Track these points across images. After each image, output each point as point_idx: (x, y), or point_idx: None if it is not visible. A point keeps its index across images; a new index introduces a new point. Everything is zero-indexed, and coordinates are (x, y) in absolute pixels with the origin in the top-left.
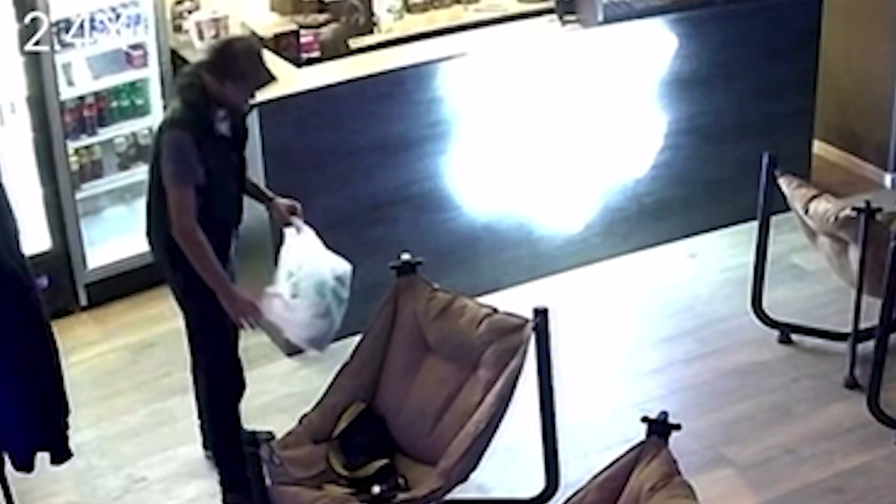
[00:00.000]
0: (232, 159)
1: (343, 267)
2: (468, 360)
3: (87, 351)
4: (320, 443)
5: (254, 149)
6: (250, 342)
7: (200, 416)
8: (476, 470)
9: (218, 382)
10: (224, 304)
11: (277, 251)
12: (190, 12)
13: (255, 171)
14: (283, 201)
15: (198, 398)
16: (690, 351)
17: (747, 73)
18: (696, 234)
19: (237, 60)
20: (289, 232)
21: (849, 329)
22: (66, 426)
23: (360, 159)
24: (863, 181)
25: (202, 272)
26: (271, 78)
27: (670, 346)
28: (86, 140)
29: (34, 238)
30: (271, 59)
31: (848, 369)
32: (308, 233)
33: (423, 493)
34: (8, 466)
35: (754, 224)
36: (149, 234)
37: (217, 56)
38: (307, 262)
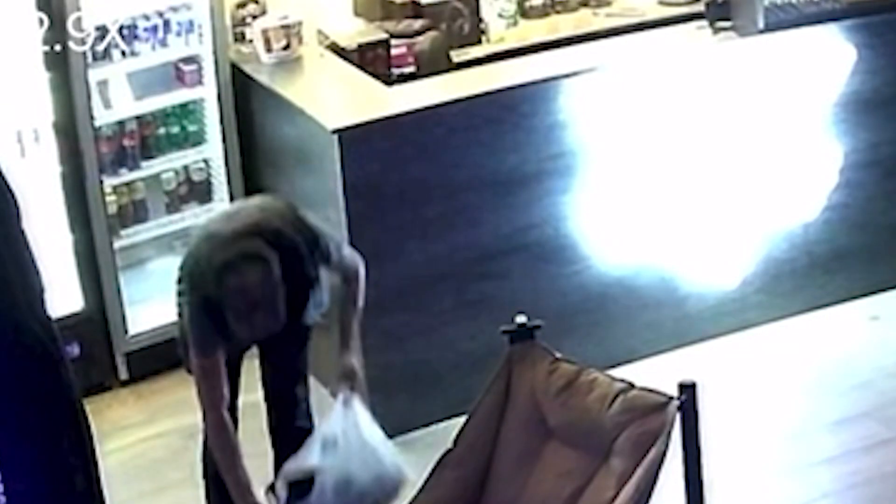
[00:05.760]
0: None
1: (393, 479)
2: (598, 447)
3: (127, 436)
4: None
5: (334, 185)
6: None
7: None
8: None
9: None
10: None
11: None
12: (254, 17)
13: (335, 213)
14: (346, 360)
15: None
16: (873, 435)
17: None
18: (879, 291)
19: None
20: (338, 398)
21: None
22: None
23: (464, 199)
24: None
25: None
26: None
27: (847, 430)
28: (126, 176)
29: (63, 297)
30: (355, 76)
31: None
32: (357, 413)
33: None
34: None
35: None
36: None
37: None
38: (346, 447)
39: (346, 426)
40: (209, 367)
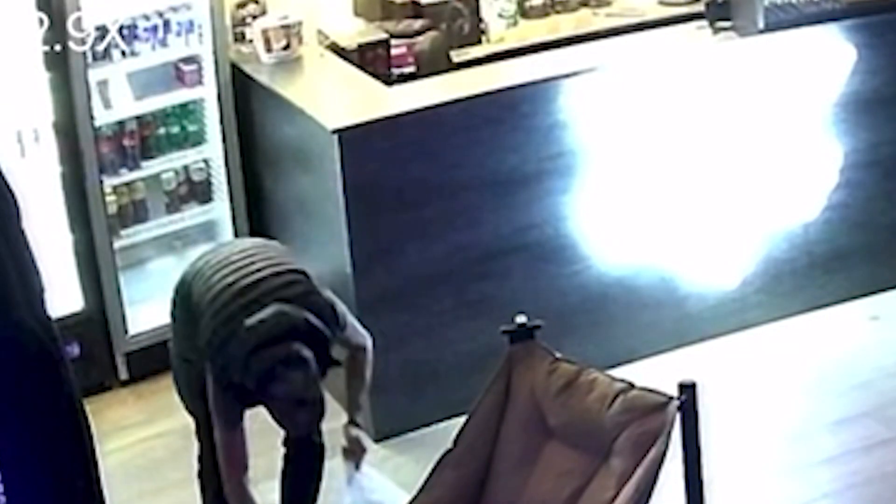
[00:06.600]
0: None
1: None
2: (598, 447)
3: (127, 436)
4: None
5: (334, 185)
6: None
7: None
8: None
9: None
10: None
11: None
12: (254, 17)
13: (335, 213)
14: (352, 434)
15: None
16: (872, 435)
17: None
18: (879, 291)
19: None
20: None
21: None
22: None
23: (463, 199)
24: None
25: None
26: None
27: (847, 430)
28: (126, 176)
29: (63, 297)
30: (355, 76)
31: None
32: (363, 489)
33: None
34: None
35: None
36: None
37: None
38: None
39: (353, 500)
40: (233, 438)
